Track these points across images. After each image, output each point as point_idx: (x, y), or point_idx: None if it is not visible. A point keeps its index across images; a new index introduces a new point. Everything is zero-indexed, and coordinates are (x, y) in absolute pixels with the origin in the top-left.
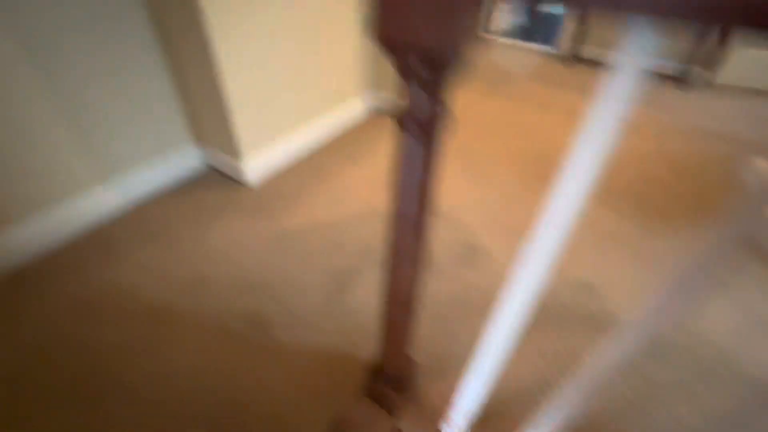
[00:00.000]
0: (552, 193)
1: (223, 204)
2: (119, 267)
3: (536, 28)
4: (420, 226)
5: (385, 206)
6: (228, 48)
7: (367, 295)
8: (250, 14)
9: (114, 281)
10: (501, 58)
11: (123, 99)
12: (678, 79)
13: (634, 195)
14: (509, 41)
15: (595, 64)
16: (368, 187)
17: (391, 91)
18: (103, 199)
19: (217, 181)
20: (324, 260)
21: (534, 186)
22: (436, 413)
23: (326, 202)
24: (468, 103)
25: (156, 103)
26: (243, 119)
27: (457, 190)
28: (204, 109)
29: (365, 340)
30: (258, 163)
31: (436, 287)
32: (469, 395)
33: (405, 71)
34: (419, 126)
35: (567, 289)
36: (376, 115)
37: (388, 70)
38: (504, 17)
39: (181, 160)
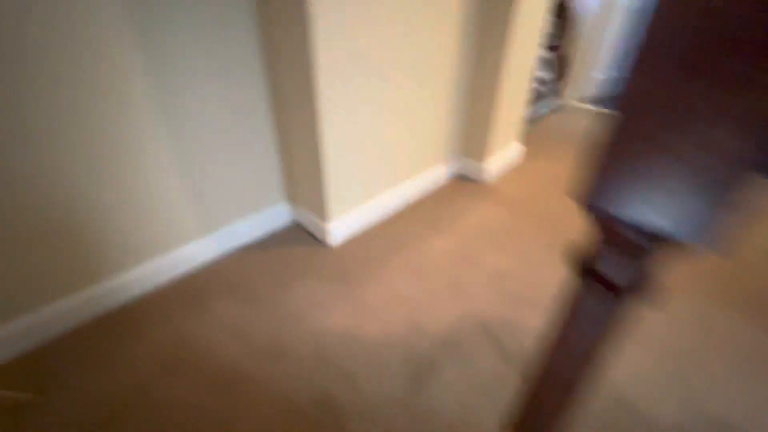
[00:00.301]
0: None
1: (305, 264)
2: (203, 321)
3: None
4: (573, 390)
5: (469, 286)
6: (331, 117)
7: (448, 396)
8: (355, 84)
9: (196, 335)
10: (596, 128)
11: (232, 156)
12: None
13: None
14: (602, 110)
15: None
16: (450, 261)
17: (475, 158)
18: (201, 250)
19: (302, 238)
20: (403, 343)
21: None
22: None
23: (406, 273)
24: (561, 175)
25: (260, 161)
26: (335, 183)
27: (548, 274)
28: (301, 171)
29: None
30: (342, 225)
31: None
32: None
33: (610, 236)
34: (609, 289)
35: (697, 428)
36: (457, 179)
37: (475, 137)
38: (594, 83)
39: (272, 216)
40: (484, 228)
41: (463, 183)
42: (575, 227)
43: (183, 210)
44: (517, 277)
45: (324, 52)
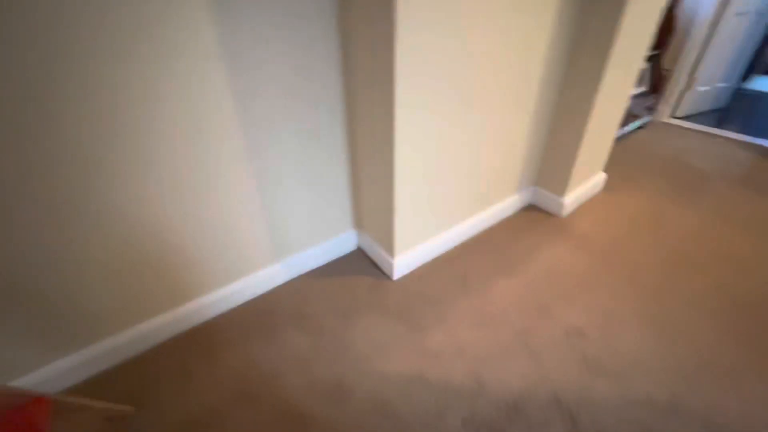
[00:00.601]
0: None
1: (368, 296)
2: (272, 350)
3: (740, 112)
4: None
5: (539, 342)
6: (406, 147)
7: None
8: (432, 110)
9: (266, 364)
10: (692, 151)
11: (307, 186)
12: None
13: None
14: (701, 128)
15: None
16: (519, 309)
17: (551, 189)
18: (271, 276)
19: (365, 267)
20: (464, 404)
21: (746, 351)
22: None
23: (470, 319)
24: (650, 211)
25: (333, 191)
26: (404, 217)
27: (631, 337)
28: (370, 202)
29: None
30: (407, 258)
31: None
32: None
33: None
34: None
35: None
36: (527, 210)
37: (555, 167)
38: (694, 96)
39: (339, 243)
40: (557, 273)
41: (535, 215)
42: (667, 284)
43: (259, 238)
44: (596, 338)
45: (404, 72)
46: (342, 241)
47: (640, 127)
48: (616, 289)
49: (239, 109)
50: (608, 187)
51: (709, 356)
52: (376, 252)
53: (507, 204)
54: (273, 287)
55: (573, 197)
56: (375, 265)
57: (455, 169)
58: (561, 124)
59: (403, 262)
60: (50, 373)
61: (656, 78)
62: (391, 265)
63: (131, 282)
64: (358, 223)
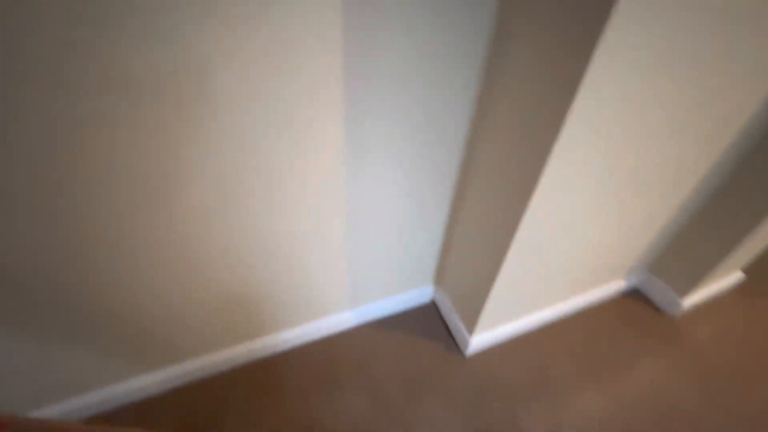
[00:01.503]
0: None
1: (436, 368)
2: (333, 408)
3: None
4: None
5: None
6: (532, 225)
7: None
8: (575, 190)
9: (323, 420)
10: None
11: (397, 239)
12: None
13: None
14: None
15: None
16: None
17: (671, 284)
18: (341, 321)
19: (437, 330)
20: None
21: None
22: None
23: None
24: None
25: (422, 248)
26: (497, 297)
27: None
28: (462, 269)
29: None
30: (484, 337)
31: None
32: None
33: None
34: None
35: None
36: (630, 297)
37: (685, 261)
38: None
39: (415, 296)
40: (656, 398)
41: (639, 307)
42: None
43: (338, 286)
44: None
45: (567, 139)
46: (418, 294)
47: None
48: None
49: (348, 142)
50: (746, 288)
51: None
52: (453, 320)
53: (608, 287)
54: (340, 330)
55: (695, 298)
56: (448, 331)
57: (574, 249)
58: (720, 213)
59: (480, 340)
60: (130, 387)
61: None
62: (466, 342)
63: (219, 317)
64: (438, 279)
